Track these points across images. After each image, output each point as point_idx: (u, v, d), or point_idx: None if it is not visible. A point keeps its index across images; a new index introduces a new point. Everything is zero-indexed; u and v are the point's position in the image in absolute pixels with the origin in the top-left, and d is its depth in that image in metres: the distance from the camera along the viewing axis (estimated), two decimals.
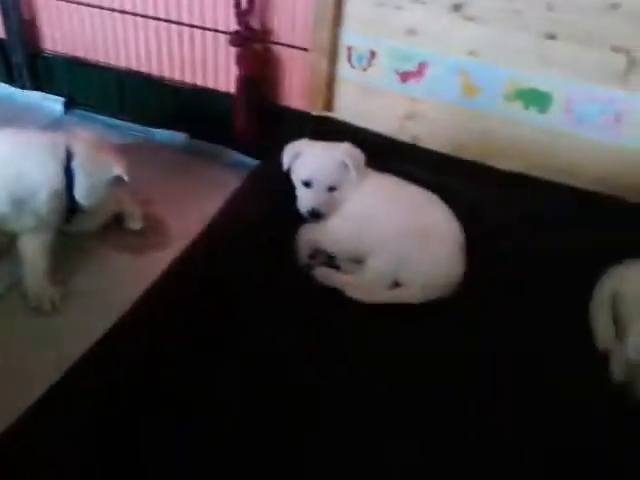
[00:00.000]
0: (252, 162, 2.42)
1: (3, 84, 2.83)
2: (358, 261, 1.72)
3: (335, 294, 1.61)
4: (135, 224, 2.07)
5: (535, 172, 1.91)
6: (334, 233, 1.75)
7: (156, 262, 1.88)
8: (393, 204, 1.76)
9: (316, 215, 1.74)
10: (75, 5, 2.56)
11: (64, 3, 2.58)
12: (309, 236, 1.76)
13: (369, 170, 1.81)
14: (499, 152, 2.00)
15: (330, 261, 1.76)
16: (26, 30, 2.68)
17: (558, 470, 1.23)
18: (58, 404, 1.23)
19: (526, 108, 1.95)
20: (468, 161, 1.96)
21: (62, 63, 2.72)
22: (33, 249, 1.80)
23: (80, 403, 1.24)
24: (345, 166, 1.74)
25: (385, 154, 1.91)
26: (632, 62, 1.77)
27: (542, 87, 1.91)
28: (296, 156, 1.78)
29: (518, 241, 1.60)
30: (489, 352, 1.44)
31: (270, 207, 1.81)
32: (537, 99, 1.93)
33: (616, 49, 1.78)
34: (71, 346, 1.43)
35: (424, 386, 1.36)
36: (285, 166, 1.79)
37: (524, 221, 1.71)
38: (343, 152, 1.75)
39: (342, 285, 1.64)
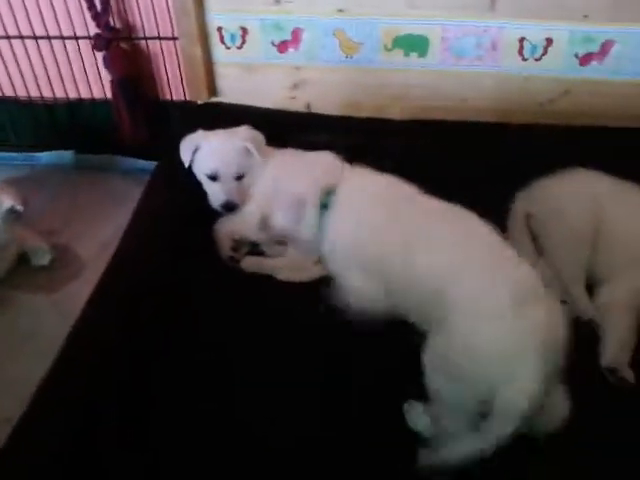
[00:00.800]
0: (149, 164, 2.33)
1: None
2: (281, 243, 1.71)
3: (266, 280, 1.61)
4: (43, 259, 1.96)
5: (431, 115, 1.95)
6: (252, 219, 1.72)
7: (74, 294, 1.83)
8: (301, 177, 1.75)
9: (230, 207, 1.70)
10: None
11: None
12: (227, 228, 1.72)
13: (271, 149, 1.78)
14: (391, 103, 2.02)
15: (254, 249, 1.74)
16: None
17: None
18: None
19: (407, 55, 1.97)
20: (363, 118, 1.97)
21: None
22: None
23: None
24: (247, 151, 1.70)
25: (282, 128, 1.88)
26: None
27: (416, 31, 1.93)
28: (195, 150, 1.72)
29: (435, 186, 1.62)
30: None
31: (179, 209, 1.75)
32: (414, 44, 1.95)
33: None
34: (12, 401, 1.38)
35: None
36: (186, 163, 1.73)
37: (433, 165, 1.73)
38: (242, 137, 1.71)
39: (272, 270, 1.63)
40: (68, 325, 1.45)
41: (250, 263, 1.66)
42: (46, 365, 1.35)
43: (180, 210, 1.75)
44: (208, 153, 1.71)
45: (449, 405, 1.16)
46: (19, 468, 1.17)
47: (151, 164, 2.30)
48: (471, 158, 1.80)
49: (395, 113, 1.98)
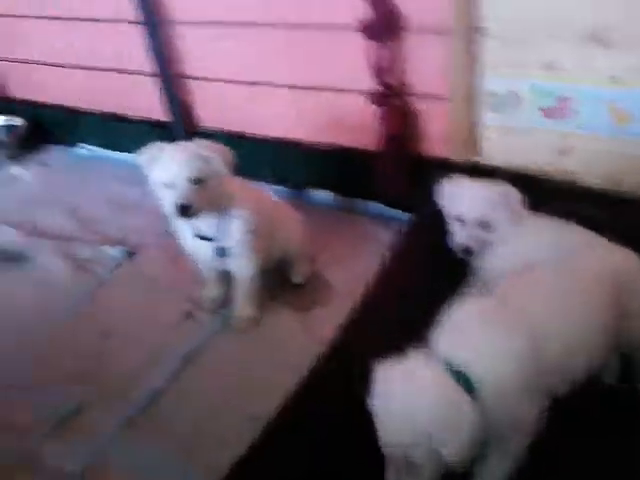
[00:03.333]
0: (398, 214, 2.48)
1: None
2: None
3: None
4: (299, 278, 2.20)
5: None
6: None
7: (320, 317, 2.03)
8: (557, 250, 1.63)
9: (467, 251, 1.74)
10: (220, 83, 2.79)
11: (213, 83, 2.82)
12: None
13: (528, 213, 1.74)
14: None
15: None
16: (185, 112, 2.98)
17: None
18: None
19: None
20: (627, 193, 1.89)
21: (219, 138, 2.95)
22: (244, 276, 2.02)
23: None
24: (498, 204, 1.71)
25: (540, 194, 1.82)
26: None
27: None
28: (451, 194, 1.79)
29: None
30: None
31: (433, 258, 1.83)
32: None
33: None
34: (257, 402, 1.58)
35: None
36: (441, 204, 1.80)
37: None
38: (496, 190, 1.72)
39: None
40: (312, 344, 1.62)
41: None
42: (290, 376, 1.52)
43: (434, 259, 1.82)
44: (459, 196, 1.77)
45: None
46: (266, 465, 1.30)
47: (401, 214, 2.44)
48: None
49: None
